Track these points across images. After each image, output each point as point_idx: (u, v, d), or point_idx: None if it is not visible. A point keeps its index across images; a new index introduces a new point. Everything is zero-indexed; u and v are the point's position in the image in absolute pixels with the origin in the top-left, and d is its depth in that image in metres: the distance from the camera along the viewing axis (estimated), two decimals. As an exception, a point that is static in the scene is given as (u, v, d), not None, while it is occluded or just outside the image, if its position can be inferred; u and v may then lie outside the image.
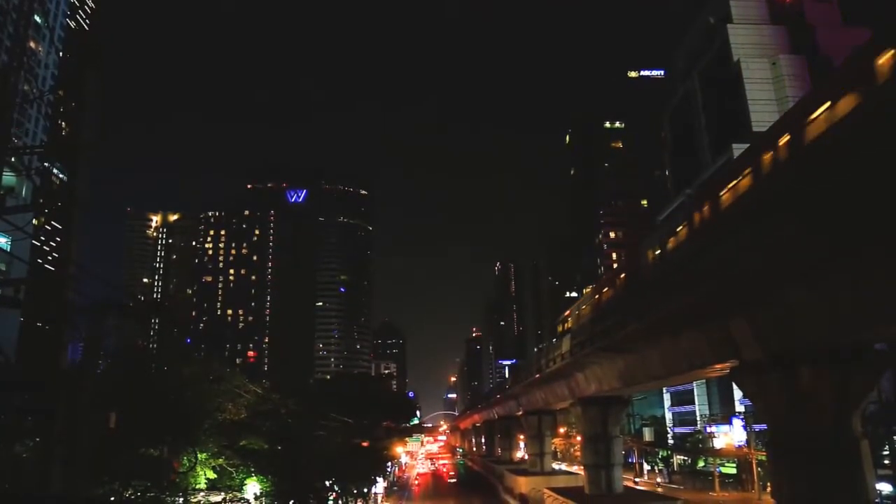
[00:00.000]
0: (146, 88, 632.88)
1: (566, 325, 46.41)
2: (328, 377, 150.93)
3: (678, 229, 24.74)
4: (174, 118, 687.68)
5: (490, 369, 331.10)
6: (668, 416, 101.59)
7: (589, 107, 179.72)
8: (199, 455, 26.45)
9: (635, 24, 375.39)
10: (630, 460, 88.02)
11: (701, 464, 79.76)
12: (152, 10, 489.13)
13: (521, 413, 74.22)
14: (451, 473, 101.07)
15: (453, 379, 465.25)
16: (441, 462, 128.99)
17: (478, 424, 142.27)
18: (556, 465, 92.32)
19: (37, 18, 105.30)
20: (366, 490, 53.32)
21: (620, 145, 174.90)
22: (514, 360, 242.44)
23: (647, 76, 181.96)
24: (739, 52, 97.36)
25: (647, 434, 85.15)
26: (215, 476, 28.69)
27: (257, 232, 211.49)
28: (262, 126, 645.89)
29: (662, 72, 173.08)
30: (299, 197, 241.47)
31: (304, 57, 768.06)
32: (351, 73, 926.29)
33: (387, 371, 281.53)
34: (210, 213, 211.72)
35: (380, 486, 63.19)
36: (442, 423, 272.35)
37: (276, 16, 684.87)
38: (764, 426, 49.60)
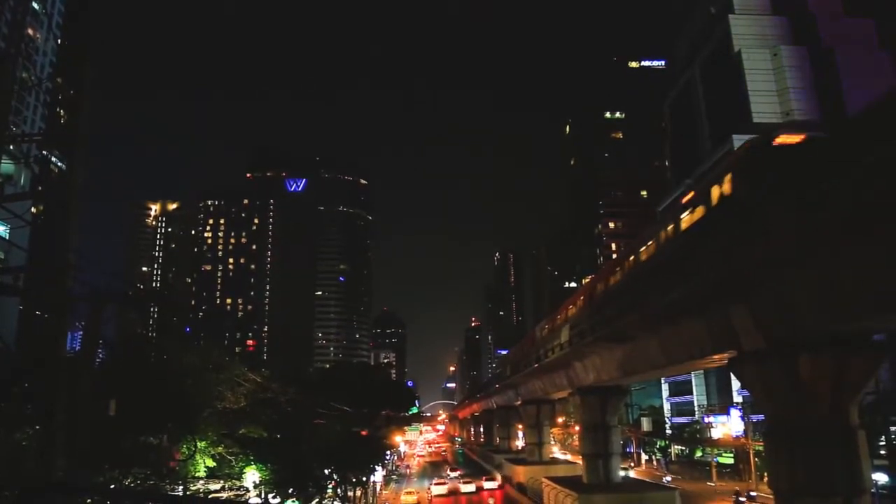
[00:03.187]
0: (146, 80, 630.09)
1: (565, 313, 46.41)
2: (327, 366, 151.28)
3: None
4: (174, 110, 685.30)
5: (489, 359, 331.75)
6: (667, 406, 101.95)
7: (589, 97, 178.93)
8: (198, 443, 26.52)
9: (636, 15, 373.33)
10: (628, 450, 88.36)
11: (698, 454, 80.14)
12: (150, 5, 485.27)
13: (519, 402, 74.42)
14: (445, 453, 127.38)
15: (452, 368, 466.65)
16: (437, 445, 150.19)
17: (476, 414, 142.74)
18: (560, 454, 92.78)
19: (35, 5, 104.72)
20: (365, 478, 53.51)
21: (620, 136, 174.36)
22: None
23: (648, 66, 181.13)
24: (740, 42, 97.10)
25: (646, 424, 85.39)
26: (214, 464, 28.77)
27: (256, 221, 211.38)
28: (262, 121, 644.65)
29: (663, 62, 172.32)
30: (299, 186, 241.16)
31: (305, 55, 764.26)
32: (351, 71, 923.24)
33: (386, 360, 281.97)
34: (209, 202, 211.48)
35: (378, 474, 63.41)
36: (441, 412, 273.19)
37: (278, 15, 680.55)
38: (761, 416, 49.75)
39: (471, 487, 67.12)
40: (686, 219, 23.68)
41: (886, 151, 13.73)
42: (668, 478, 62.68)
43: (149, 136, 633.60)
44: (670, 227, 25.29)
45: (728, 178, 20.77)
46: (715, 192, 21.48)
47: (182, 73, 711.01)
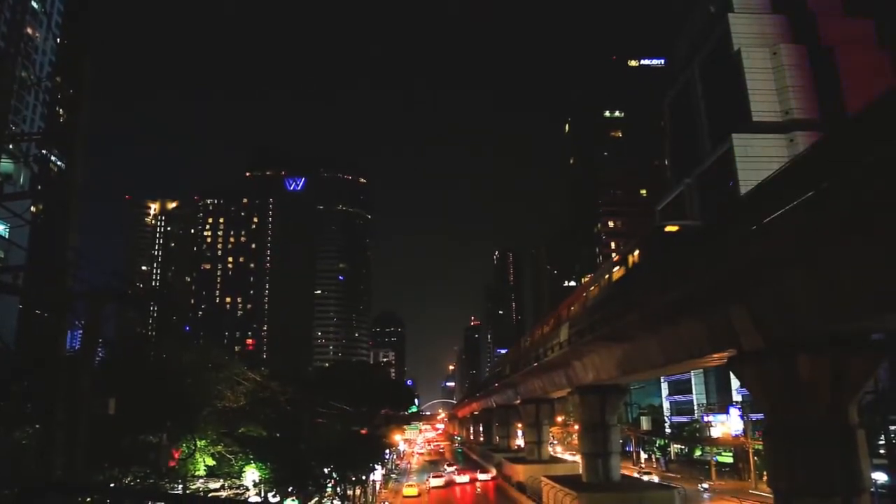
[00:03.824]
0: (146, 80, 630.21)
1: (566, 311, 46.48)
2: (327, 365, 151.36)
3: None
4: (174, 110, 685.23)
5: (489, 358, 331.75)
6: (666, 405, 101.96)
7: (589, 96, 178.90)
8: (198, 442, 26.49)
9: (635, 14, 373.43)
10: (627, 449, 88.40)
11: (698, 453, 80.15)
12: (150, 5, 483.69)
13: (518, 401, 74.41)
14: (443, 451, 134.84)
15: (452, 367, 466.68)
16: (435, 444, 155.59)
17: (476, 413, 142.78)
18: (564, 454, 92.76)
19: (34, 4, 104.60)
20: (364, 477, 53.51)
21: (620, 134, 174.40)
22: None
23: (648, 65, 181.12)
24: (740, 41, 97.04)
25: (645, 423, 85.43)
26: (214, 463, 28.75)
27: (256, 220, 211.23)
28: (262, 121, 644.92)
29: (663, 61, 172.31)
30: (298, 185, 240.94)
31: (305, 55, 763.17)
32: (351, 71, 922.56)
33: (385, 359, 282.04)
34: (209, 201, 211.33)
35: (378, 473, 63.46)
36: (440, 411, 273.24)
37: (278, 15, 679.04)
38: (761, 415, 49.76)
39: (464, 478, 74.99)
40: (616, 271, 34.62)
41: (886, 151, 13.74)
42: (706, 484, 60.03)
43: (149, 136, 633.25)
44: (607, 276, 36.65)
45: (637, 251, 31.97)
46: (630, 258, 32.68)
47: (182, 73, 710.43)
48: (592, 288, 38.76)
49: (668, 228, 31.46)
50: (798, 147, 79.06)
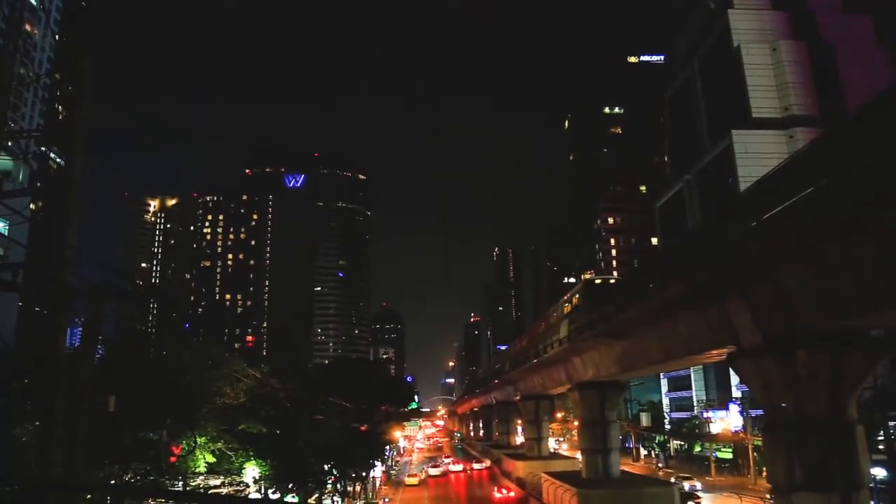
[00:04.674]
0: (146, 80, 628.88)
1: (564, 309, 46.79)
2: (326, 361, 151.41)
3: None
4: (174, 110, 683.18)
5: (488, 354, 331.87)
6: (665, 401, 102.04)
7: (588, 92, 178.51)
8: (198, 439, 26.53)
9: (635, 9, 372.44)
10: (627, 445, 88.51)
11: (697, 449, 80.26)
12: (150, 5, 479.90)
13: (518, 398, 74.47)
14: (442, 446, 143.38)
15: (451, 364, 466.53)
16: (434, 439, 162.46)
17: (475, 409, 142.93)
18: (574, 454, 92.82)
19: (32, 1, 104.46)
20: (364, 474, 53.62)
21: (620, 131, 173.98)
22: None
23: (647, 61, 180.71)
24: (740, 37, 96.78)
25: (644, 419, 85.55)
26: (214, 460, 28.82)
27: (255, 217, 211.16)
28: (261, 121, 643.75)
29: (662, 57, 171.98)
30: (297, 182, 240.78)
31: (305, 55, 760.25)
32: (351, 71, 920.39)
33: (385, 356, 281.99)
34: (208, 198, 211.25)
35: (378, 470, 63.58)
36: (440, 407, 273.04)
37: (278, 14, 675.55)
38: (760, 411, 49.81)
39: (459, 467, 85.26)
40: (566, 306, 44.06)
41: (886, 151, 13.75)
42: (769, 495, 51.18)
43: (149, 136, 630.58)
44: (562, 308, 46.26)
45: (577, 296, 42.02)
46: (574, 300, 42.55)
47: (182, 73, 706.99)
48: (555, 314, 49.18)
49: (597, 281, 45.57)
50: (798, 143, 78.95)
